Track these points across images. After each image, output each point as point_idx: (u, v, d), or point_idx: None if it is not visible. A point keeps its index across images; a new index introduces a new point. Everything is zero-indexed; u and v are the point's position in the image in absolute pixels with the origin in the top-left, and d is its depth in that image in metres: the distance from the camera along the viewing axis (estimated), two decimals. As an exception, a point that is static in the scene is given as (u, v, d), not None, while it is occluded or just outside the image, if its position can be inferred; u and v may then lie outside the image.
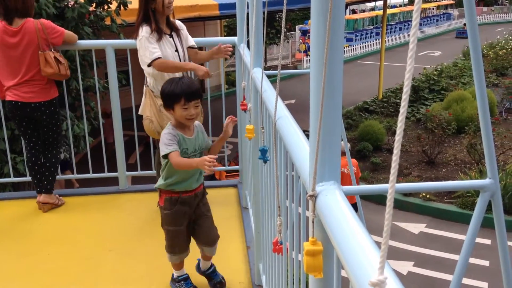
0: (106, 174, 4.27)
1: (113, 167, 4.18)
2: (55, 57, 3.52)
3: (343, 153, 7.65)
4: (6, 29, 3.41)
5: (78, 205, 3.91)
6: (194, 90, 2.49)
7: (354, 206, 5.82)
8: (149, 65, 3.36)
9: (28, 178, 4.12)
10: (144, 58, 3.37)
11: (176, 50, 3.50)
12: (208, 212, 2.73)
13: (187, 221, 2.63)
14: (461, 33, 30.57)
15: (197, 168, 2.45)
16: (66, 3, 5.70)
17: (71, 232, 3.53)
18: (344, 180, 6.70)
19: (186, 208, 2.61)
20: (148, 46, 3.32)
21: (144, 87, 3.53)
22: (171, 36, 3.51)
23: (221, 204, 3.90)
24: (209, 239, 2.71)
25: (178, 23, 3.63)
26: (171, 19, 3.55)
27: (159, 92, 3.36)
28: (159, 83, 3.40)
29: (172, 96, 2.47)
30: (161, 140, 2.48)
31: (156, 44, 3.35)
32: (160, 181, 2.60)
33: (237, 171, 4.35)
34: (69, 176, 4.59)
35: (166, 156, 2.46)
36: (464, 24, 35.68)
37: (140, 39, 3.34)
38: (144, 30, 3.32)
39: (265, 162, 2.02)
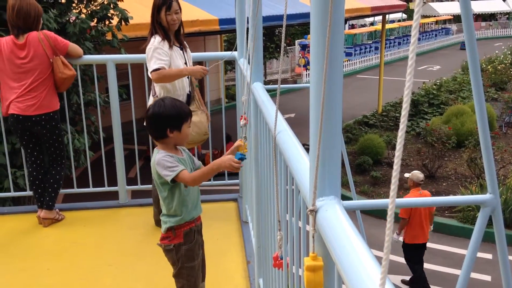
0: (106, 188, 4.26)
1: (113, 181, 4.17)
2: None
3: (416, 184, 6.31)
4: (15, 43, 3.48)
5: (78, 220, 3.90)
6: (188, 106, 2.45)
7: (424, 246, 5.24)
8: (150, 72, 3.40)
9: (28, 193, 4.11)
10: (148, 67, 3.42)
11: (186, 63, 3.57)
12: (203, 242, 2.57)
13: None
14: (465, 45, 30.92)
15: (223, 170, 2.31)
16: (67, 19, 5.75)
17: (71, 247, 3.51)
18: (419, 213, 6.18)
19: (200, 238, 2.49)
20: (153, 56, 3.37)
21: (152, 98, 3.54)
22: (181, 49, 3.57)
23: (221, 218, 3.88)
24: (205, 272, 2.59)
25: (185, 42, 3.70)
26: (181, 35, 3.61)
27: None
28: (170, 94, 3.44)
29: (182, 115, 2.31)
30: (161, 165, 2.26)
31: (163, 56, 3.39)
32: (171, 219, 2.35)
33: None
34: (69, 190, 4.57)
35: (174, 180, 2.25)
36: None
37: (150, 48, 3.40)
38: (156, 40, 3.40)
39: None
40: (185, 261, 2.38)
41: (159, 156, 2.29)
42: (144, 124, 2.42)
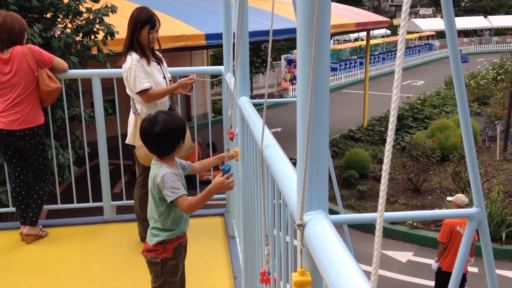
0: (90, 204, 4.20)
1: (98, 197, 4.12)
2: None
3: (461, 208, 5.61)
4: (0, 57, 3.44)
5: (62, 236, 3.83)
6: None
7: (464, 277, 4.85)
8: (137, 93, 3.40)
9: (11, 209, 4.04)
10: (133, 88, 3.39)
11: (164, 78, 3.56)
12: (185, 256, 2.55)
13: None
14: (465, 59, 32.61)
15: (217, 193, 2.32)
16: (52, 33, 5.72)
17: (55, 264, 3.45)
18: (459, 238, 5.54)
19: (185, 253, 2.48)
20: (137, 76, 3.35)
21: (133, 116, 3.50)
22: (158, 63, 3.57)
23: (207, 233, 3.85)
24: (184, 285, 2.58)
25: (160, 55, 3.69)
26: (157, 48, 3.60)
27: None
28: (152, 110, 3.42)
29: (185, 125, 2.38)
30: (165, 182, 2.22)
31: (145, 74, 3.38)
32: (164, 234, 2.32)
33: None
34: (53, 206, 4.51)
35: (172, 202, 2.23)
36: (460, 50, 36.74)
37: (130, 67, 3.36)
38: (134, 58, 3.37)
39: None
40: (168, 276, 2.37)
41: (164, 171, 2.25)
42: (144, 142, 2.35)
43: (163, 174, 2.23)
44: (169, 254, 2.34)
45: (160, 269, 2.35)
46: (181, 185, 2.25)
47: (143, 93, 3.37)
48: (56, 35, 5.66)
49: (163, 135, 2.28)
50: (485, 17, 42.48)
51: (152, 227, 2.37)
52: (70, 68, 4.08)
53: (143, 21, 3.38)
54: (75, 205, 4.23)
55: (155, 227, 2.35)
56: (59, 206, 4.23)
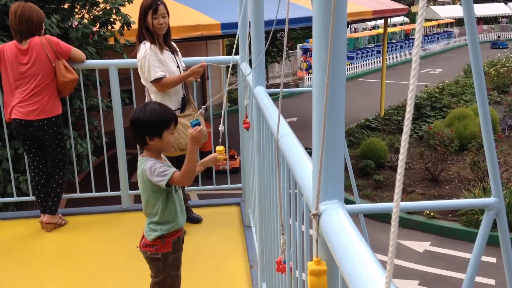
0: (109, 193, 4.26)
1: (115, 186, 4.17)
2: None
3: None
4: (18, 48, 3.49)
5: (81, 224, 3.90)
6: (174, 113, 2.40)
7: None
8: (151, 82, 3.43)
9: (31, 198, 4.11)
10: (147, 76, 3.42)
11: (178, 67, 3.58)
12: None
13: None
14: (494, 44, 34.23)
15: (210, 165, 2.38)
16: (70, 24, 5.76)
17: (74, 252, 3.51)
18: None
19: (182, 246, 2.50)
20: (151, 65, 3.38)
21: None
22: (172, 53, 3.58)
23: (223, 223, 3.88)
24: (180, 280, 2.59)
25: (175, 45, 3.71)
26: (169, 38, 3.61)
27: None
28: (166, 99, 3.45)
29: (163, 122, 2.27)
30: (152, 172, 2.23)
31: (159, 63, 3.41)
32: (162, 227, 2.33)
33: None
34: (72, 195, 4.57)
35: (168, 185, 2.23)
36: (498, 37, 36.55)
37: (144, 56, 3.40)
38: (147, 46, 3.40)
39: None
40: (170, 270, 2.38)
41: (149, 163, 2.25)
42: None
43: (150, 165, 2.24)
44: (169, 249, 2.35)
45: (161, 264, 2.36)
46: (167, 167, 2.26)
47: (157, 81, 3.40)
48: (74, 26, 5.70)
49: (132, 125, 2.28)
50: (506, 3, 41.57)
51: (150, 222, 2.37)
52: (87, 58, 4.11)
53: (145, 7, 3.41)
54: (94, 194, 4.29)
55: (153, 221, 2.35)
56: (78, 195, 4.29)
